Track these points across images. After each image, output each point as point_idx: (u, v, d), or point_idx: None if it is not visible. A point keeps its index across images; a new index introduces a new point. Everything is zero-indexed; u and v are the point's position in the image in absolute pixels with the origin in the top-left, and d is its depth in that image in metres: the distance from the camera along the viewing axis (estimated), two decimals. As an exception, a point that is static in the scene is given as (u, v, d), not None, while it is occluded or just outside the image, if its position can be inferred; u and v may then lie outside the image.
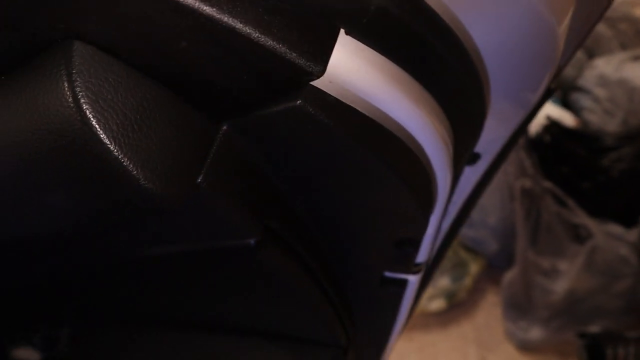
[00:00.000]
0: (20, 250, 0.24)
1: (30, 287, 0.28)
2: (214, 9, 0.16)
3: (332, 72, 0.19)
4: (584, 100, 1.30)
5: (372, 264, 0.32)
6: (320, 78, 0.18)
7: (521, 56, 0.27)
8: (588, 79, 1.30)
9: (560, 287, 1.14)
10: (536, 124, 1.21)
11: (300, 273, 0.26)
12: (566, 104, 1.33)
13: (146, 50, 0.17)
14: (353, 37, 0.19)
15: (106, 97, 0.16)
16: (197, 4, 0.16)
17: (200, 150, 0.19)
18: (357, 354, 0.37)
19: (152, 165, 0.17)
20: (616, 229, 1.12)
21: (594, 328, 1.15)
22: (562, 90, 1.33)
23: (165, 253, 0.24)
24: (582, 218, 1.13)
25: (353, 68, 0.19)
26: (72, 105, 0.16)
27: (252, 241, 0.22)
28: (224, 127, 0.20)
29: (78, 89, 0.16)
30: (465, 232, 1.30)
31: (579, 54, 1.31)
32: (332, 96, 0.19)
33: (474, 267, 1.28)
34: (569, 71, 1.30)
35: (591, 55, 1.34)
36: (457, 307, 1.27)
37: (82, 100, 0.16)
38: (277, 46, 0.17)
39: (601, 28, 1.32)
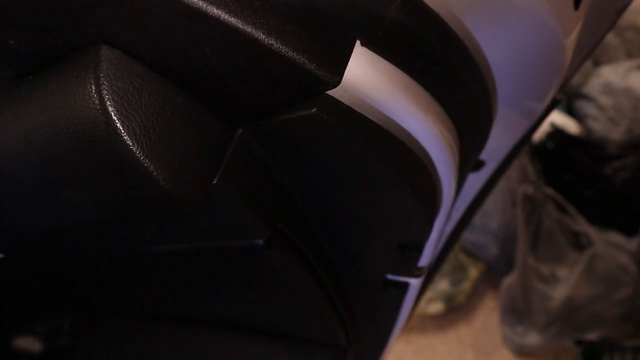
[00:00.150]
0: (37, 243, 0.25)
1: (38, 277, 0.29)
2: (240, 21, 0.17)
3: (347, 81, 0.19)
4: (588, 108, 1.30)
5: (375, 267, 0.32)
6: (336, 87, 0.19)
7: (528, 67, 0.28)
8: (593, 86, 1.30)
9: (559, 293, 1.14)
10: (540, 131, 1.21)
11: (304, 274, 0.27)
12: (570, 111, 1.33)
13: (170, 57, 0.18)
14: (368, 48, 0.20)
15: (130, 100, 0.17)
16: (223, 15, 0.17)
17: (216, 153, 0.20)
18: (357, 355, 0.38)
19: (171, 167, 0.18)
20: (617, 237, 1.12)
21: (592, 336, 1.16)
22: (567, 98, 1.33)
23: (175, 250, 0.24)
24: (582, 225, 1.13)
25: (366, 78, 0.20)
26: (98, 107, 0.17)
27: (260, 241, 0.22)
28: (240, 131, 0.21)
29: (104, 92, 0.17)
30: (466, 236, 1.30)
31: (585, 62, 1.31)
32: (346, 105, 0.20)
33: (474, 272, 1.29)
34: (574, 79, 1.30)
35: (597, 63, 1.35)
36: (456, 310, 1.28)
37: (108, 103, 0.17)
38: (297, 57, 0.18)
39: (608, 36, 1.32)
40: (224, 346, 0.35)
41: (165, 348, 0.36)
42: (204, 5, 0.17)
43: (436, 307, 1.24)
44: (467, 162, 0.31)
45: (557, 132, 1.22)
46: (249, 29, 0.17)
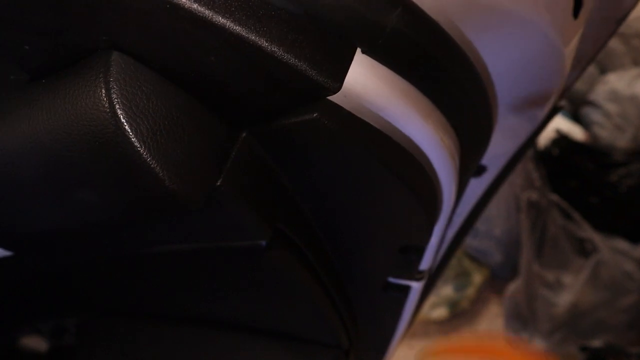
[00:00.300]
0: (43, 243, 0.25)
1: (41, 277, 0.29)
2: (243, 29, 0.18)
3: (347, 87, 0.20)
4: (594, 115, 1.30)
5: (376, 269, 0.33)
6: (336, 93, 0.20)
7: (528, 75, 0.28)
8: (599, 93, 1.29)
9: (563, 300, 1.13)
10: (545, 137, 1.21)
11: (306, 274, 0.27)
12: (576, 118, 1.33)
13: (177, 63, 0.19)
14: (369, 55, 0.20)
15: (139, 104, 0.18)
16: (228, 23, 0.17)
17: (220, 155, 0.20)
18: (358, 357, 0.38)
19: (177, 168, 0.19)
20: (622, 244, 1.12)
21: (596, 342, 1.15)
22: (573, 104, 1.33)
23: (177, 250, 0.25)
24: (588, 232, 1.12)
25: (367, 84, 0.20)
26: (107, 110, 0.17)
27: (262, 242, 0.23)
28: (244, 135, 0.21)
29: (114, 96, 0.17)
30: (470, 242, 1.30)
31: (591, 69, 1.31)
32: (347, 110, 0.20)
33: (478, 277, 1.29)
34: (580, 85, 1.30)
35: (603, 70, 1.34)
36: (459, 316, 1.27)
37: (117, 107, 0.17)
38: (299, 63, 0.18)
39: (614, 43, 1.32)
40: (225, 346, 0.35)
41: (167, 348, 0.36)
42: (211, 15, 0.17)
43: (440, 313, 1.24)
44: (468, 167, 0.32)
45: (562, 139, 1.21)
46: (253, 37, 0.18)
